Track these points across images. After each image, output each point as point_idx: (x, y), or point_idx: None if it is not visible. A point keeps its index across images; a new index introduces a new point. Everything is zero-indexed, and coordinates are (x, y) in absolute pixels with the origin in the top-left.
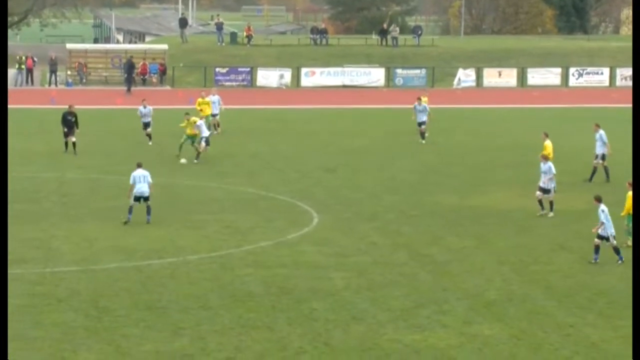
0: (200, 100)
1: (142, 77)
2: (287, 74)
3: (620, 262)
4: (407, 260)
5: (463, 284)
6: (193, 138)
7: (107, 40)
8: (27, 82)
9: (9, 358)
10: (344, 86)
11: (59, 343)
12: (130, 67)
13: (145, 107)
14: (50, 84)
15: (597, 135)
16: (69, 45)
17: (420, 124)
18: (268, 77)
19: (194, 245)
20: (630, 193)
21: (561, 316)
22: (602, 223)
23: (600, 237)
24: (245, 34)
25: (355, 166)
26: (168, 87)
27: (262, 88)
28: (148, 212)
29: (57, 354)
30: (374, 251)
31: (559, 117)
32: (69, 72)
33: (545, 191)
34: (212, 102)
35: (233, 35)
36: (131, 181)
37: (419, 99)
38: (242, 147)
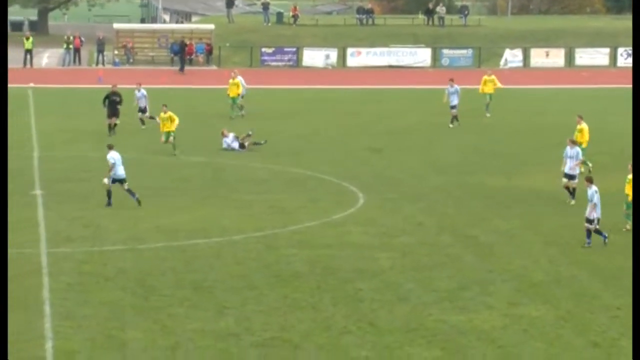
0: (230, 81)
1: (188, 57)
2: (333, 54)
3: (605, 240)
4: (452, 242)
5: (509, 265)
6: (168, 134)
7: (154, 20)
8: (74, 61)
9: (58, 335)
10: (390, 66)
11: (107, 321)
12: (182, 47)
13: (139, 91)
14: (97, 63)
15: None
16: (116, 25)
17: (452, 107)
18: (314, 57)
19: (239, 225)
20: (630, 176)
21: (608, 298)
22: (595, 204)
23: (590, 221)
24: (291, 14)
25: (401, 146)
26: (214, 67)
27: (308, 68)
28: (133, 194)
29: (104, 332)
30: (419, 232)
31: (606, 98)
32: (116, 52)
33: (572, 177)
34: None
35: (279, 15)
36: (112, 161)
37: (451, 80)
38: (288, 127)
